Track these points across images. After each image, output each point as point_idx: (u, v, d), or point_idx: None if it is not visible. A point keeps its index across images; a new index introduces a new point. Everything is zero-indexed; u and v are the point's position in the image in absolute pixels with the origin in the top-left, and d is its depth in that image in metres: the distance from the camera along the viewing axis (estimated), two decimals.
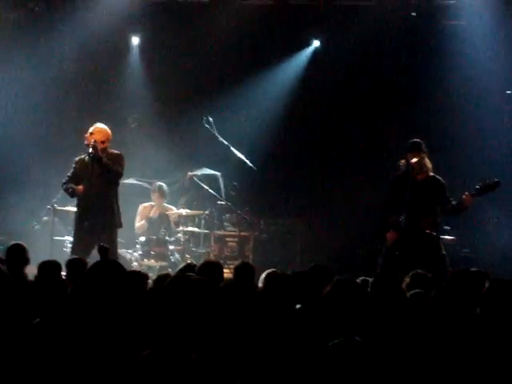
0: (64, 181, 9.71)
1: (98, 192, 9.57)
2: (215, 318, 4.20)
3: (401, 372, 4.01)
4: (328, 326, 4.33)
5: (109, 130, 9.70)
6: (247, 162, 11.73)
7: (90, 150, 9.45)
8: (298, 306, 4.33)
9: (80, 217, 9.65)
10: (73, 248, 9.59)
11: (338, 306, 4.35)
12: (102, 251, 7.56)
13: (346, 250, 12.20)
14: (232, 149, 11.69)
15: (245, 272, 6.21)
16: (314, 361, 3.60)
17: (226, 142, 11.63)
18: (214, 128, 11.57)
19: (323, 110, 13.04)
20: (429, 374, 4.05)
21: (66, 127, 12.46)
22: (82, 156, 9.74)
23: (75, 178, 9.66)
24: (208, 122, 11.56)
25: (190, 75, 13.12)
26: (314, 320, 4.55)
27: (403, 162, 9.26)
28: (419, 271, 6.11)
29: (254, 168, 11.77)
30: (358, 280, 5.63)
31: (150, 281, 6.55)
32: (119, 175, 9.64)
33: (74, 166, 9.74)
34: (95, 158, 9.47)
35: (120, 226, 9.74)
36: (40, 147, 12.58)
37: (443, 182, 9.22)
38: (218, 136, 11.61)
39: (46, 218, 11.44)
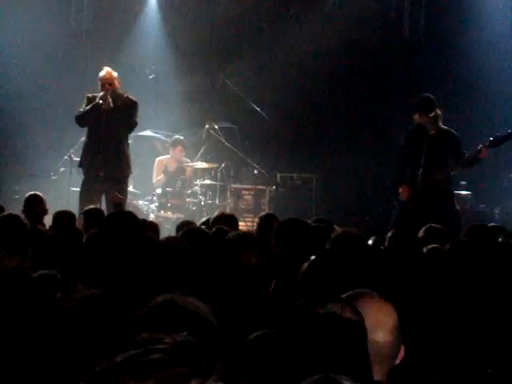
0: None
1: (110, 139, 9.35)
2: (225, 267, 4.22)
3: (414, 327, 4.03)
4: (335, 279, 4.33)
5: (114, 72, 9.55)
6: (261, 112, 11.76)
7: (101, 101, 9.30)
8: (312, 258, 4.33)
9: (90, 165, 9.42)
10: (81, 197, 9.34)
11: (339, 259, 4.35)
12: (116, 200, 7.57)
13: (362, 204, 12.21)
14: (251, 103, 11.73)
15: (269, 223, 6.16)
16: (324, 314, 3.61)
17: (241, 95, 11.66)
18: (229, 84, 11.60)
19: (340, 67, 12.93)
20: (444, 327, 4.07)
21: (82, 79, 12.42)
22: (96, 95, 9.47)
23: None
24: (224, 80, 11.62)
25: (208, 27, 13.05)
26: (319, 273, 4.55)
27: (417, 116, 9.19)
28: (434, 225, 6.10)
29: (266, 117, 11.80)
30: (370, 240, 5.64)
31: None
32: (134, 125, 9.51)
33: (86, 102, 9.47)
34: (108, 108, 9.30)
35: (130, 172, 9.64)
36: (56, 99, 12.59)
37: (457, 135, 9.15)
38: (235, 89, 11.61)
39: (63, 169, 11.47)
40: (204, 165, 11.69)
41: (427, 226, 6.08)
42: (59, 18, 12.74)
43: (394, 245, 5.33)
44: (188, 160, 11.87)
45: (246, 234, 4.68)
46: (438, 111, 9.02)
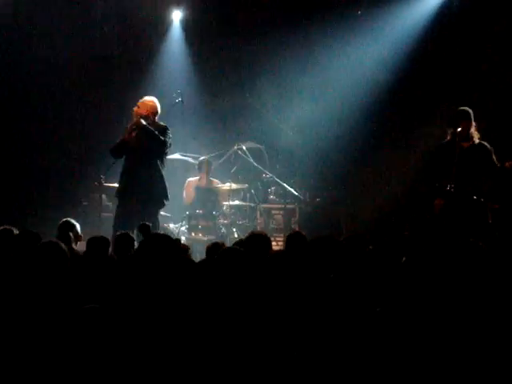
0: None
1: (142, 166, 9.55)
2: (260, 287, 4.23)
3: (451, 337, 4.01)
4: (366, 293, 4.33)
5: (155, 103, 9.75)
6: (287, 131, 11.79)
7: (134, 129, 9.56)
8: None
9: (124, 189, 9.61)
10: (115, 222, 9.51)
11: (370, 275, 4.34)
12: (144, 230, 7.61)
13: (392, 222, 12.13)
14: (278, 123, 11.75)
15: (297, 241, 6.17)
16: (360, 325, 3.61)
17: None
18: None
19: (366, 85, 12.87)
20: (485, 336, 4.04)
21: (108, 103, 12.54)
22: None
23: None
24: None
25: (232, 49, 13.12)
26: (353, 288, 4.56)
27: (451, 129, 9.18)
28: (472, 240, 6.06)
29: (292, 135, 11.79)
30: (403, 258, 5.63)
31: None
32: (164, 144, 9.61)
33: (124, 132, 9.78)
34: (138, 126, 9.56)
35: (166, 198, 9.76)
36: (84, 123, 12.71)
37: (490, 147, 9.12)
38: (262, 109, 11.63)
39: (93, 195, 11.54)
40: (233, 186, 11.69)
41: (465, 240, 6.03)
42: (84, 43, 12.86)
43: (426, 261, 5.30)
44: (217, 181, 11.90)
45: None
46: (472, 124, 9.01)
